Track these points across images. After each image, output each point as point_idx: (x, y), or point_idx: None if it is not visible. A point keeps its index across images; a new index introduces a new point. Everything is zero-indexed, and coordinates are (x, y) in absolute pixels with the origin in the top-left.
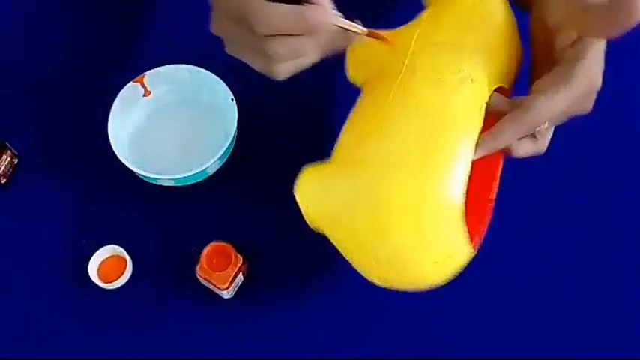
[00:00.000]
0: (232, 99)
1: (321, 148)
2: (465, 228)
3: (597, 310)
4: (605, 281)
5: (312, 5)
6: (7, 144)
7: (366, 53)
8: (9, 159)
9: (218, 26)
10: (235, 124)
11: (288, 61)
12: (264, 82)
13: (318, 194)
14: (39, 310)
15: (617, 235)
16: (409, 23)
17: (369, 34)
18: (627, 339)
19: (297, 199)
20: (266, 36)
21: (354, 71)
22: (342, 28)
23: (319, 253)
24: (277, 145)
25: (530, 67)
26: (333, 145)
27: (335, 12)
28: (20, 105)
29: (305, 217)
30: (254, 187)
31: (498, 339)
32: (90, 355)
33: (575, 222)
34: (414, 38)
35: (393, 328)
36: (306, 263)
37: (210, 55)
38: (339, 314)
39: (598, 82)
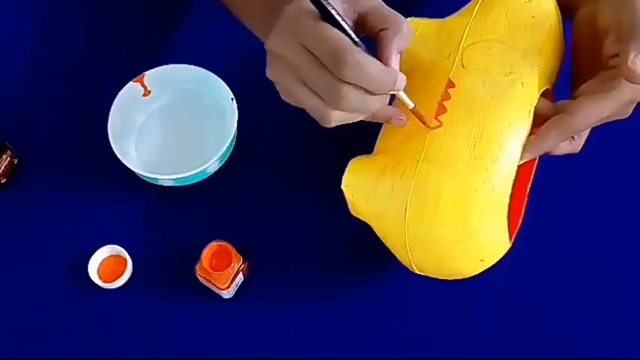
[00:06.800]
0: (232, 99)
1: (321, 148)
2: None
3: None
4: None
5: (397, 70)
6: (7, 144)
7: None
8: (9, 159)
9: (287, 50)
10: (235, 124)
11: (347, 111)
12: (264, 82)
13: (365, 186)
14: (39, 310)
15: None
16: (456, 14)
17: (413, 110)
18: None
19: (344, 189)
20: (344, 81)
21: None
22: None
23: (319, 254)
24: (277, 145)
25: (572, 69)
26: (334, 145)
27: None
28: (20, 105)
29: (350, 207)
30: (254, 187)
31: (513, 340)
32: (90, 355)
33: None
34: (465, 33)
35: (393, 328)
36: (306, 263)
37: (210, 54)
38: (339, 314)
39: None
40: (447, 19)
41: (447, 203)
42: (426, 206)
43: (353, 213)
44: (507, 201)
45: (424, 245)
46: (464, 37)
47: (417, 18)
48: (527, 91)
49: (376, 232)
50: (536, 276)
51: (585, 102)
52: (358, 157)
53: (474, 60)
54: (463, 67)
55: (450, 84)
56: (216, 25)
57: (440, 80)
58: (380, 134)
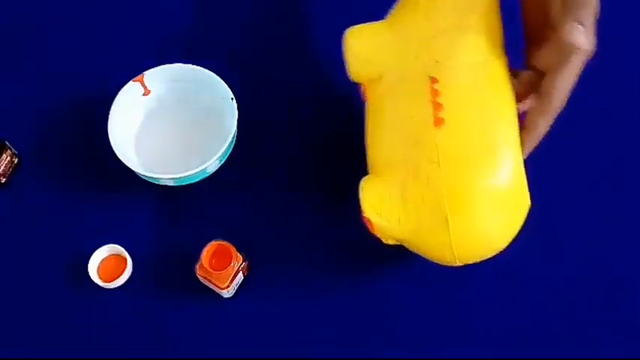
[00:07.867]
0: (232, 98)
1: (321, 148)
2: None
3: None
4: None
5: None
6: (7, 144)
7: (368, 51)
8: (9, 159)
9: None
10: (235, 124)
11: None
12: (264, 82)
13: (390, 206)
14: (39, 309)
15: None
16: (398, 9)
17: None
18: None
19: (367, 215)
20: None
21: (356, 70)
22: None
23: (319, 254)
24: (277, 145)
25: (525, 34)
26: (333, 145)
27: None
28: (20, 105)
29: (376, 230)
30: (254, 187)
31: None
32: (90, 355)
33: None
34: (420, 28)
35: (393, 328)
36: (306, 263)
37: (210, 54)
38: (339, 314)
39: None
40: (392, 17)
41: (480, 193)
42: (462, 204)
43: (379, 235)
44: (523, 167)
45: (469, 239)
46: (421, 33)
47: (356, 26)
48: (496, 67)
49: (409, 246)
50: (536, 276)
51: (553, 79)
52: (363, 180)
53: (441, 52)
54: (437, 62)
55: (434, 80)
56: (217, 25)
57: (421, 81)
58: (368, 148)
